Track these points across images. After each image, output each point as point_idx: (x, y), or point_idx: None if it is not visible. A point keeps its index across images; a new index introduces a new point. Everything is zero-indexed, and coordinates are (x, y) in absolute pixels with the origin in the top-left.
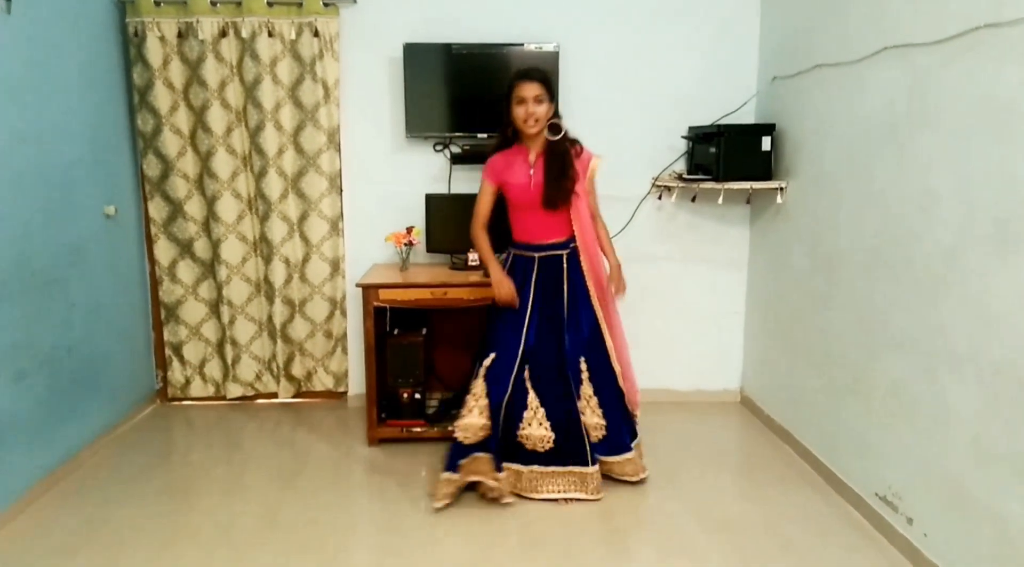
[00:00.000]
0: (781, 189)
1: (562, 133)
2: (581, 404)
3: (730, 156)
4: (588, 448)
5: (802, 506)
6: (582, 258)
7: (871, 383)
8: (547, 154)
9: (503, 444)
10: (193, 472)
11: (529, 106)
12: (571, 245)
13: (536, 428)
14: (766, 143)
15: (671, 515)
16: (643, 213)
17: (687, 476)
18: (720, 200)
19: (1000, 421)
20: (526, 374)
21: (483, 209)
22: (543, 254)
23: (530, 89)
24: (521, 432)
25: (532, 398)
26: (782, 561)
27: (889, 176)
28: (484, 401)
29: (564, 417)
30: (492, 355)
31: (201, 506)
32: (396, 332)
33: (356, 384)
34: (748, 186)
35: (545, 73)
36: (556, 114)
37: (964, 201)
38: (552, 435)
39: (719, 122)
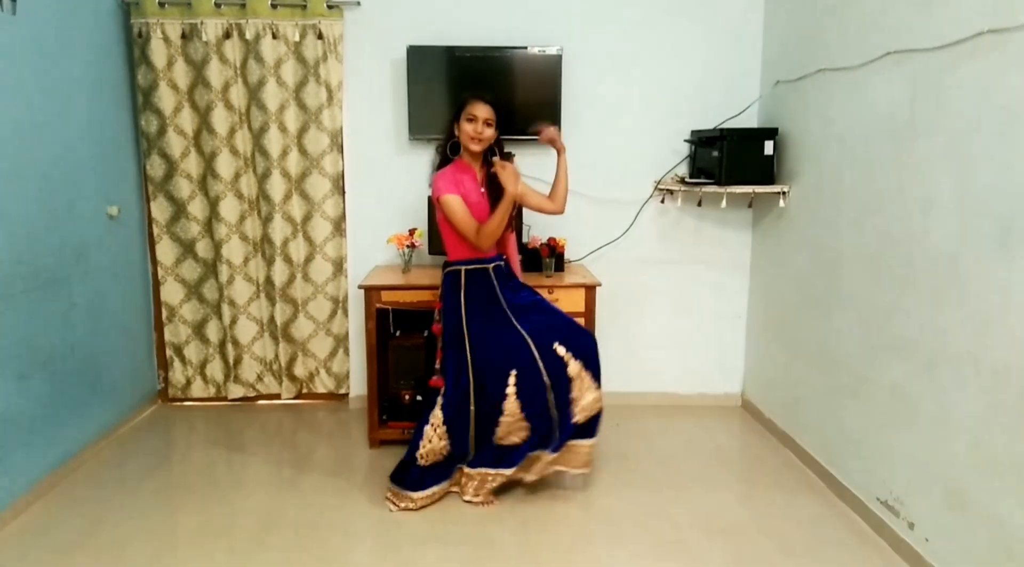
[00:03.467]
0: (783, 193)
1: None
2: (577, 385)
3: (733, 160)
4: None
5: (803, 510)
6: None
7: (872, 387)
8: (489, 177)
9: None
10: (194, 473)
11: (479, 126)
12: (503, 258)
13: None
14: (768, 147)
15: (671, 518)
16: (645, 216)
17: (688, 479)
18: (723, 204)
19: (1001, 425)
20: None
21: (473, 218)
22: (494, 264)
23: (484, 110)
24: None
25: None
26: (782, 566)
27: (891, 180)
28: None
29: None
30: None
31: (201, 507)
32: (398, 334)
33: (358, 385)
34: (750, 190)
35: (498, 102)
36: (499, 140)
37: (965, 205)
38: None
39: (722, 126)
